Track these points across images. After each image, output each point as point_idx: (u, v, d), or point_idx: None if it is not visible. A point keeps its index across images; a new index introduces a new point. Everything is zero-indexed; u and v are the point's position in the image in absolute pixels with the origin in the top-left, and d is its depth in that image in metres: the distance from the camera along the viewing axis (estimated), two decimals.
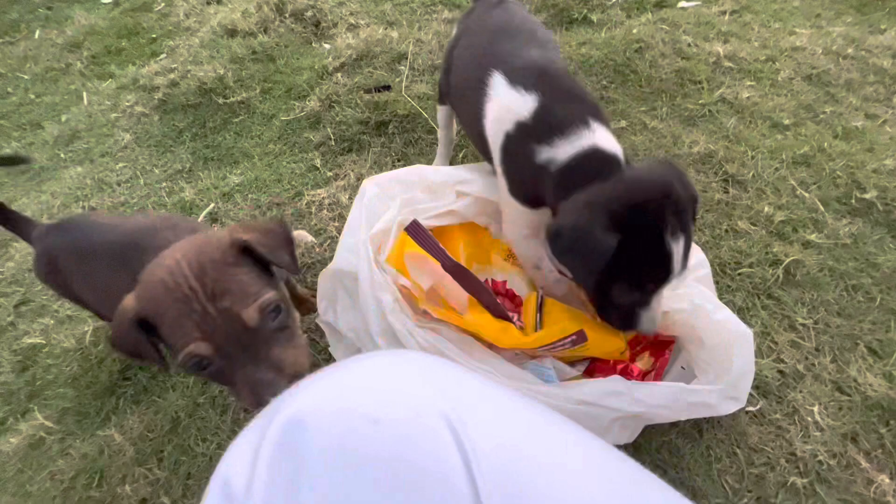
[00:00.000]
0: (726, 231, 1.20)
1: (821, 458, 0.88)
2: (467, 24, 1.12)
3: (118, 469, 1.00)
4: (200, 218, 1.40)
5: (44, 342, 1.23)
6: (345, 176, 1.44)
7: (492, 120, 0.92)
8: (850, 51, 1.61)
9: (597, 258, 0.73)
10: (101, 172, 1.63)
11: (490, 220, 1.08)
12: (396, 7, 2.03)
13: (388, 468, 0.30)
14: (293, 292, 1.13)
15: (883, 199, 1.23)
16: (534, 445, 0.36)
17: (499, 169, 0.94)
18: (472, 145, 1.45)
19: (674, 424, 0.91)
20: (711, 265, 1.00)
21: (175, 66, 1.91)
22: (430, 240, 0.92)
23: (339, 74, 1.72)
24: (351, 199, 1.33)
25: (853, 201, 1.23)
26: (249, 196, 1.45)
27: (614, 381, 0.79)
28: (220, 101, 1.73)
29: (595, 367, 0.97)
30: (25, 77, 2.12)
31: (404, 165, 1.44)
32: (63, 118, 1.88)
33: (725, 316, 0.85)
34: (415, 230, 0.92)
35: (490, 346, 0.89)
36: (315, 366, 0.56)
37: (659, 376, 0.92)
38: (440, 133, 1.34)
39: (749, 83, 1.54)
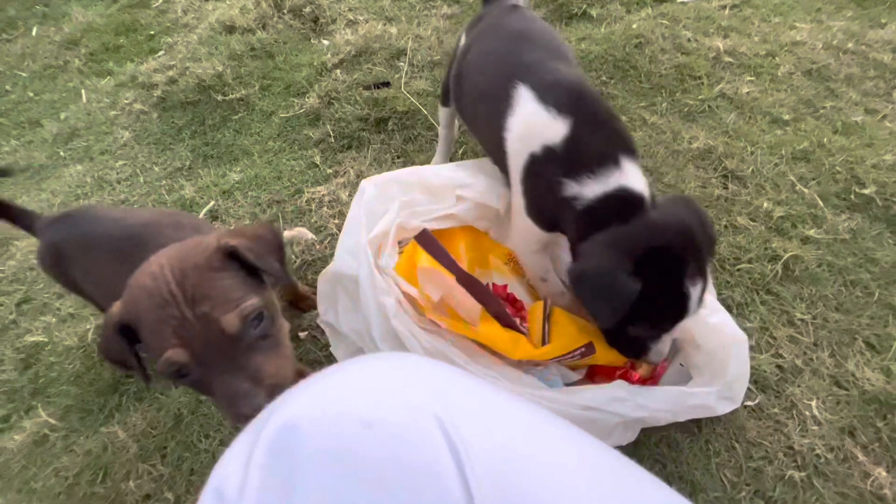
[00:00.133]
0: (725, 227, 1.21)
1: (818, 451, 0.89)
2: (480, 29, 1.07)
3: (122, 465, 1.01)
4: (201, 215, 1.40)
5: (46, 340, 1.24)
6: (344, 173, 1.44)
7: (516, 136, 0.88)
8: (850, 45, 1.60)
9: (621, 303, 0.73)
10: (100, 170, 1.63)
11: (490, 225, 1.06)
12: (395, 3, 2.02)
13: (381, 471, 0.30)
14: (294, 289, 1.13)
15: (882, 195, 1.23)
16: (527, 446, 0.36)
17: (517, 186, 0.91)
18: (471, 142, 1.45)
19: None
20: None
21: (173, 63, 1.90)
22: (441, 250, 0.91)
23: (338, 71, 1.72)
24: (351, 195, 1.33)
25: (852, 197, 1.24)
26: (249, 193, 1.45)
27: (617, 387, 0.81)
28: (219, 98, 1.72)
29: (595, 371, 0.98)
30: (24, 75, 2.12)
31: (404, 162, 1.45)
32: (62, 116, 1.88)
33: (721, 319, 0.86)
34: (426, 240, 0.91)
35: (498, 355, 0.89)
36: (301, 374, 0.53)
37: (656, 381, 0.93)
38: (441, 132, 1.33)
39: (749, 78, 1.53)
